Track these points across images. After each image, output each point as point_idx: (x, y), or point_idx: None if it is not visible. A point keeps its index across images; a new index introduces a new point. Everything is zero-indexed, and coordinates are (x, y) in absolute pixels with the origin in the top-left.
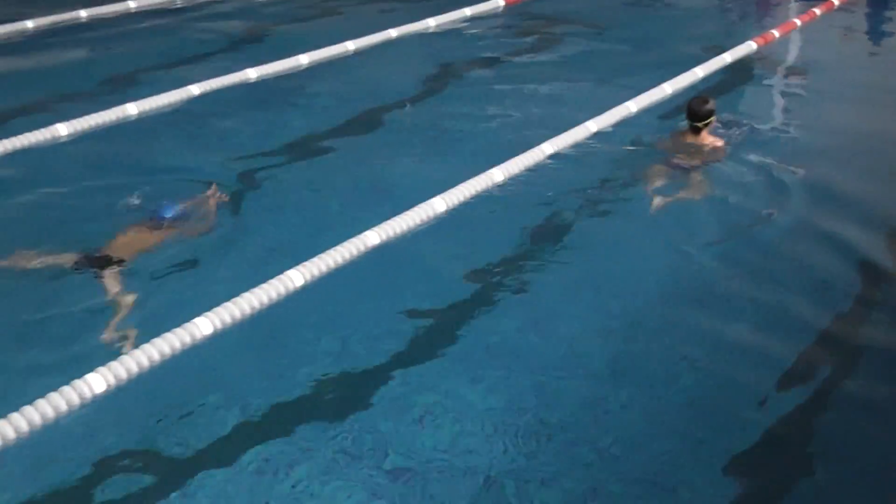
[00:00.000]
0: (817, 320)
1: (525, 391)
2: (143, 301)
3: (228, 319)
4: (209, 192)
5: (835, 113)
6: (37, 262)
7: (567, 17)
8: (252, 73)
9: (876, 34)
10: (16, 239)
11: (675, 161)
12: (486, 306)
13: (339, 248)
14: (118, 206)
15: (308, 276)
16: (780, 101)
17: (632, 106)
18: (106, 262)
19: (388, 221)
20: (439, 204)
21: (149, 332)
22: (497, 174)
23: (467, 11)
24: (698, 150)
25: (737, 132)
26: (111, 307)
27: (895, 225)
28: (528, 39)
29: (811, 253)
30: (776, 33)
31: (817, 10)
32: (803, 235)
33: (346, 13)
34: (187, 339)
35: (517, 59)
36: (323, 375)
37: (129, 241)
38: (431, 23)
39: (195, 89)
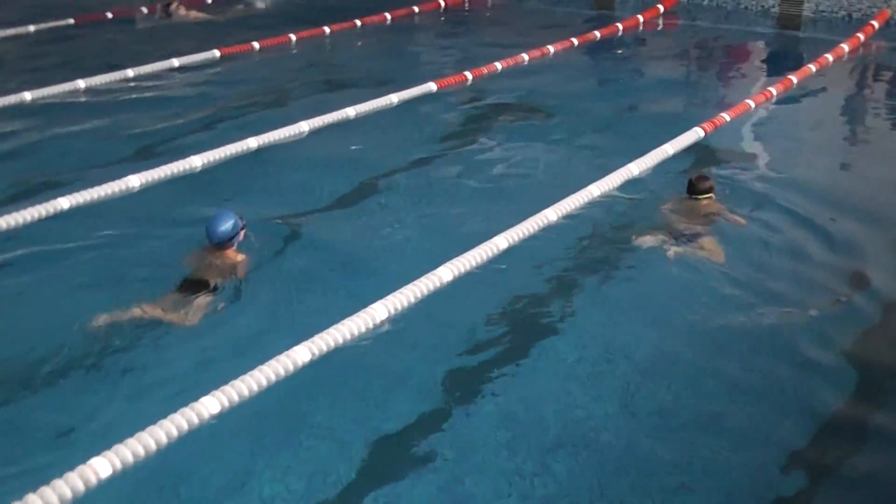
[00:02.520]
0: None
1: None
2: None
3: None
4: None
5: (829, 166)
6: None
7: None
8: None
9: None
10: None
11: (677, 226)
12: (495, 373)
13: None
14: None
15: (317, 351)
16: (775, 158)
17: (634, 168)
18: (200, 286)
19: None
20: (445, 273)
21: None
22: (501, 241)
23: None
24: (697, 215)
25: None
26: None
27: None
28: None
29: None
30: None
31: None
32: (813, 290)
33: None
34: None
35: (491, 135)
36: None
37: (209, 266)
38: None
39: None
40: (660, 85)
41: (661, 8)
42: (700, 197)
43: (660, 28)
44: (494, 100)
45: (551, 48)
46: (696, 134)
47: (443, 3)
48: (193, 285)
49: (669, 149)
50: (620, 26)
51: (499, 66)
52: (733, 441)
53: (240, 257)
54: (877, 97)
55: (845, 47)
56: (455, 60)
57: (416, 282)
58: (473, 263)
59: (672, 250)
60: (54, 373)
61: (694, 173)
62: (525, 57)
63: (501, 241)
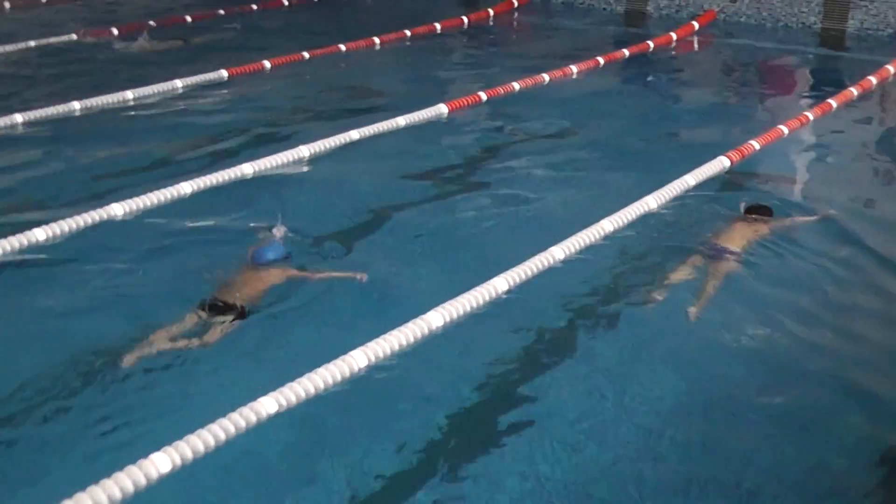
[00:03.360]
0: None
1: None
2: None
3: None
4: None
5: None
6: (169, 335)
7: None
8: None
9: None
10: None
11: (721, 246)
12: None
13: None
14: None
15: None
16: (806, 190)
17: (651, 202)
18: (232, 308)
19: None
20: (501, 283)
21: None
22: (502, 282)
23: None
24: (739, 234)
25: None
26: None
27: None
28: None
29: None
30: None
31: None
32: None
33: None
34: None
35: (504, 161)
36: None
37: (244, 285)
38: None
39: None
40: (688, 108)
41: (696, 25)
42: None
43: (694, 46)
44: (510, 123)
45: (574, 68)
46: (720, 164)
47: (466, 21)
48: (221, 307)
49: (691, 180)
50: (651, 44)
51: (516, 86)
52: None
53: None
54: None
55: (891, 69)
56: (472, 80)
57: (428, 313)
58: (479, 301)
59: (692, 309)
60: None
61: (755, 204)
62: (545, 77)
63: (511, 277)
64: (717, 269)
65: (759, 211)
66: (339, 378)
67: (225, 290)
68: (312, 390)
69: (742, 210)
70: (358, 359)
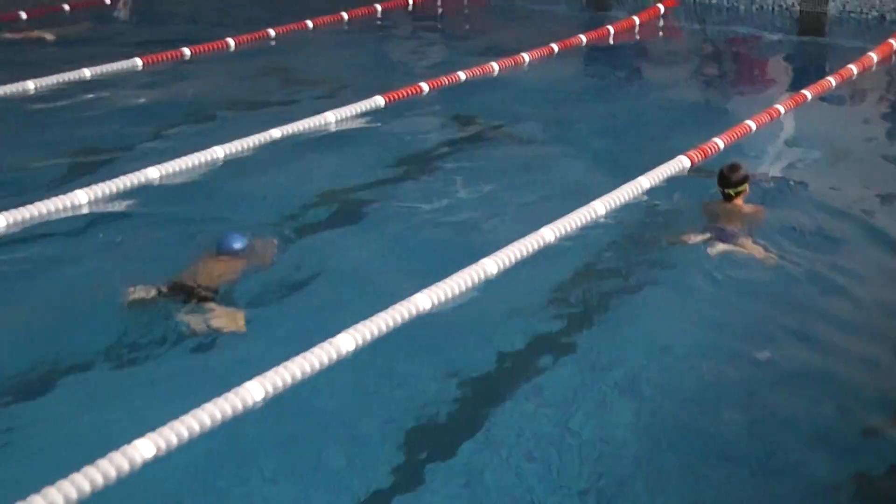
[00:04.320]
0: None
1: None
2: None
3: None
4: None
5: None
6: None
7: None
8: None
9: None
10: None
11: (717, 226)
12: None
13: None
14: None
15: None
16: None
17: (599, 207)
18: (194, 291)
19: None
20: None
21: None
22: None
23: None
24: (736, 216)
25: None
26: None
27: None
28: None
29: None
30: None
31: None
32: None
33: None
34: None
35: (443, 160)
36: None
37: (209, 272)
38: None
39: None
40: (650, 101)
41: (662, 8)
42: (735, 191)
43: (659, 31)
44: (452, 118)
45: (526, 56)
46: (679, 164)
47: (410, 2)
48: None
49: (645, 182)
50: (612, 29)
51: (462, 76)
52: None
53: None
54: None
55: (874, 56)
56: (414, 69)
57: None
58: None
59: (717, 247)
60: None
61: (725, 164)
62: (495, 66)
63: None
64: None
65: (733, 175)
66: (324, 362)
67: (187, 277)
68: (299, 375)
69: (718, 182)
70: (344, 342)
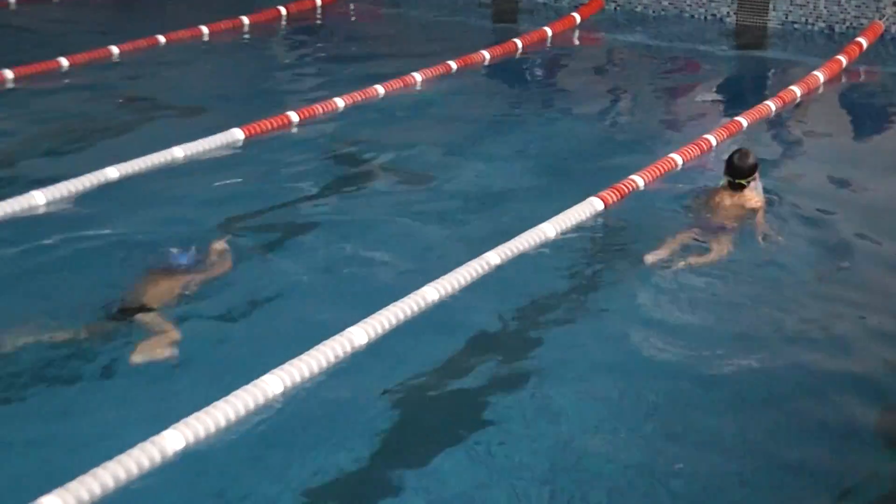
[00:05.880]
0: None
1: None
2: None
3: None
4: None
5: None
6: (52, 334)
7: None
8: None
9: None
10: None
11: (714, 222)
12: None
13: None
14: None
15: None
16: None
17: (493, 257)
18: (139, 311)
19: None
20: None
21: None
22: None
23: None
24: (739, 208)
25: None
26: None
27: None
28: None
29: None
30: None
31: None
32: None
33: None
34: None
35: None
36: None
37: (154, 290)
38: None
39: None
40: (558, 127)
41: (578, 17)
42: (745, 181)
43: (575, 44)
44: (326, 152)
45: (418, 76)
46: (590, 207)
47: (284, 13)
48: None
49: (550, 229)
50: (520, 43)
51: (341, 103)
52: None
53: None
54: (862, 156)
55: (820, 76)
56: (282, 95)
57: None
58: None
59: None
60: None
61: (735, 150)
62: (380, 90)
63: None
64: (720, 239)
65: (743, 161)
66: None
67: (134, 296)
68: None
69: (727, 171)
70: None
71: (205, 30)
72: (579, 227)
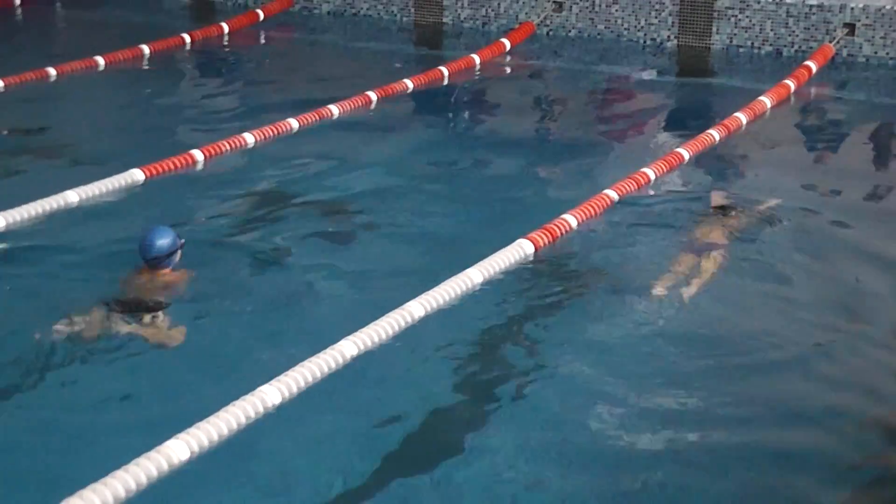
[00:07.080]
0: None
1: None
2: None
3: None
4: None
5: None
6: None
7: None
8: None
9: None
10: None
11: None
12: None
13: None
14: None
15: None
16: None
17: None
18: (139, 306)
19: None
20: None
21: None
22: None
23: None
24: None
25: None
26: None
27: None
28: None
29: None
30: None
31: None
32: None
33: None
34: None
35: None
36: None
37: (145, 287)
38: None
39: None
40: (485, 165)
41: (508, 43)
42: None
43: (506, 72)
44: (234, 190)
45: (335, 109)
46: (519, 250)
47: (188, 40)
48: (129, 305)
49: (477, 275)
50: (446, 71)
51: (250, 138)
52: None
53: (180, 275)
54: (812, 182)
55: (767, 101)
56: (187, 132)
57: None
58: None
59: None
60: None
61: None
62: (293, 124)
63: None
64: (709, 259)
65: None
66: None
67: (131, 293)
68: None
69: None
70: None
71: (100, 60)
72: (508, 272)
